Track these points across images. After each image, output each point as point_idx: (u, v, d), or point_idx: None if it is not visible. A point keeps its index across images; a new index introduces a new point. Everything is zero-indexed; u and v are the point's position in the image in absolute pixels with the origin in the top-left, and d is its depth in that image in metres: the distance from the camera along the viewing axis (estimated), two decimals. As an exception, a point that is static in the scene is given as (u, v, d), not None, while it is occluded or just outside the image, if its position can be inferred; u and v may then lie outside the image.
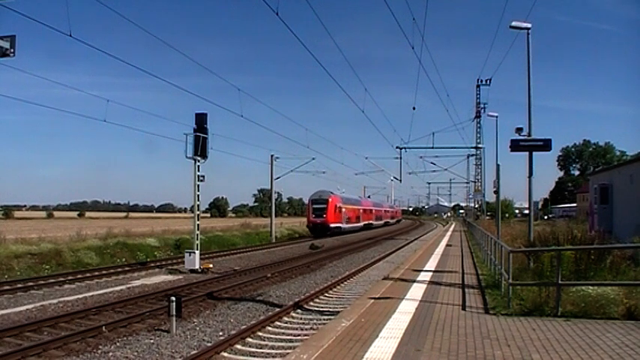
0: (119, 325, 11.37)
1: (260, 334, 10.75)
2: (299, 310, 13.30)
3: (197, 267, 21.14)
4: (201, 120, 21.61)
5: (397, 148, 37.09)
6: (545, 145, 16.40)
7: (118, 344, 9.96)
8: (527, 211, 27.95)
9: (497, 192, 23.64)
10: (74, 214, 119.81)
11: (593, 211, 29.35)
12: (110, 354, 9.33)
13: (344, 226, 53.00)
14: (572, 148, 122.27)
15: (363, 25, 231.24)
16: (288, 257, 28.24)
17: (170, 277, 19.88)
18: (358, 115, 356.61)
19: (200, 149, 21.51)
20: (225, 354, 9.30)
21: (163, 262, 24.38)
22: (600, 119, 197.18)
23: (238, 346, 9.81)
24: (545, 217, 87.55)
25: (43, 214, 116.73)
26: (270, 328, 11.28)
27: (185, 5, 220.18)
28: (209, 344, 9.78)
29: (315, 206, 49.72)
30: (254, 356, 9.34)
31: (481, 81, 59.41)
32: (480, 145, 48.00)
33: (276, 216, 47.38)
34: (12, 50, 13.51)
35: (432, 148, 36.88)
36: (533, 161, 16.75)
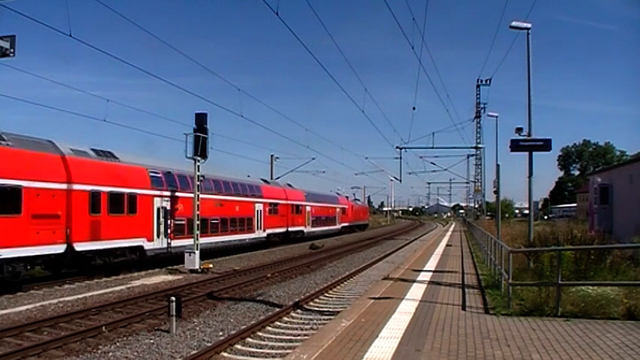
0: (119, 325, 11.38)
1: (260, 334, 10.75)
2: (299, 310, 13.30)
3: (197, 267, 21.13)
4: (201, 120, 21.62)
5: (397, 148, 37.17)
6: (545, 145, 16.39)
7: (118, 344, 9.96)
8: (527, 211, 27.92)
9: (497, 192, 23.61)
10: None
11: (593, 211, 29.37)
12: (110, 354, 9.32)
13: None
14: (572, 148, 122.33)
15: (363, 25, 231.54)
16: (288, 257, 28.24)
17: (170, 277, 19.87)
18: (358, 115, 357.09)
19: (200, 149, 21.52)
20: (225, 354, 9.30)
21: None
22: (600, 119, 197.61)
23: (238, 346, 9.81)
24: (545, 217, 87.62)
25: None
26: (270, 328, 11.27)
27: (185, 5, 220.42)
28: (209, 344, 9.78)
29: None
30: (254, 356, 9.34)
31: (481, 81, 59.19)
32: (479, 145, 47.93)
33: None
34: (12, 50, 13.55)
35: (432, 148, 36.95)
36: (533, 161, 16.75)
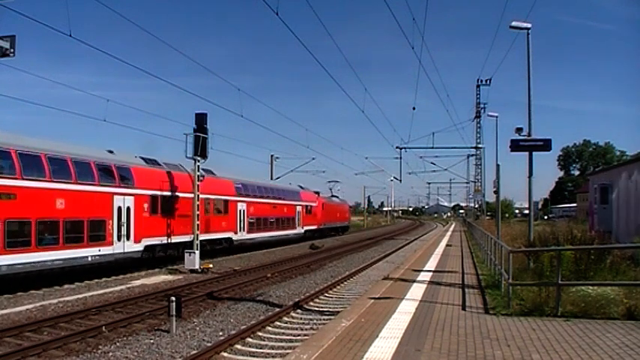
0: (119, 325, 11.38)
1: (260, 334, 10.75)
2: (299, 310, 13.30)
3: (197, 267, 21.14)
4: (201, 120, 21.65)
5: (397, 148, 37.13)
6: (545, 145, 16.39)
7: (118, 344, 9.96)
8: (527, 211, 27.90)
9: (497, 192, 23.61)
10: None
11: (593, 211, 29.34)
12: (110, 354, 9.33)
13: None
14: (572, 148, 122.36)
15: (363, 25, 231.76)
16: (288, 257, 28.26)
17: (170, 277, 19.88)
18: (358, 115, 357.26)
19: (200, 149, 21.55)
20: (225, 354, 9.30)
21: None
22: (600, 119, 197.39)
23: (238, 346, 9.81)
24: (545, 217, 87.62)
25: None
26: (270, 328, 11.27)
27: (185, 5, 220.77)
28: (209, 344, 9.78)
29: None
30: (254, 356, 9.34)
31: (481, 81, 59.13)
32: (479, 145, 47.92)
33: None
34: (12, 50, 13.58)
35: (432, 148, 36.91)
36: (533, 161, 16.75)
